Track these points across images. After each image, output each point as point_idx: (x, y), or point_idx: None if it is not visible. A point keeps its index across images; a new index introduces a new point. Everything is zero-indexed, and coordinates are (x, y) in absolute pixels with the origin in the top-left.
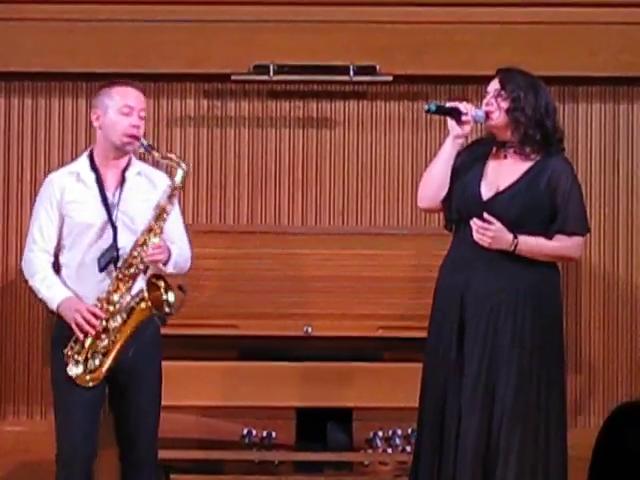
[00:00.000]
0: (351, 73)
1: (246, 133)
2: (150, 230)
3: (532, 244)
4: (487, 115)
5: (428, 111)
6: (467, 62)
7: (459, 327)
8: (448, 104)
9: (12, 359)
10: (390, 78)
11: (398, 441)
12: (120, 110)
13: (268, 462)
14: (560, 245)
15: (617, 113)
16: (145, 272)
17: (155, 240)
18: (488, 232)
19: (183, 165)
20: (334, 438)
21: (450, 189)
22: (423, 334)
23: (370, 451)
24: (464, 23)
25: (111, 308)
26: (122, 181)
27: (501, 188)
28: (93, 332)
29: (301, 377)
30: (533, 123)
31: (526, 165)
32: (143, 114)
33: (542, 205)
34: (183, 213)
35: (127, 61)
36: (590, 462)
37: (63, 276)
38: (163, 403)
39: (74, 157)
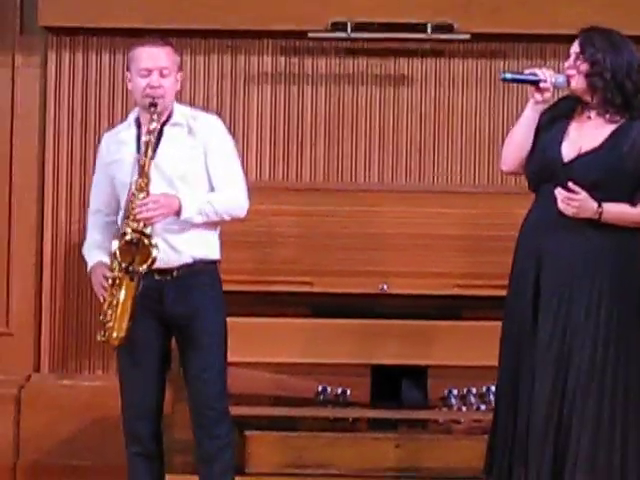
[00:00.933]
0: (428, 31)
1: (323, 91)
2: (137, 184)
3: (616, 212)
4: (569, 78)
5: (504, 80)
6: (546, 20)
7: (535, 290)
8: (526, 71)
9: (88, 314)
10: (468, 36)
11: (473, 399)
12: (139, 73)
13: (342, 419)
14: None
15: None
16: (144, 226)
17: (141, 196)
18: (573, 202)
19: (155, 119)
20: (409, 396)
21: (532, 148)
22: (499, 292)
23: (445, 409)
24: None
25: (117, 266)
26: (159, 136)
27: (583, 150)
28: (104, 293)
29: (376, 334)
30: (612, 86)
31: (610, 128)
32: (166, 72)
33: (624, 169)
34: (259, 170)
35: (204, 18)
36: None
37: (114, 236)
38: (238, 359)
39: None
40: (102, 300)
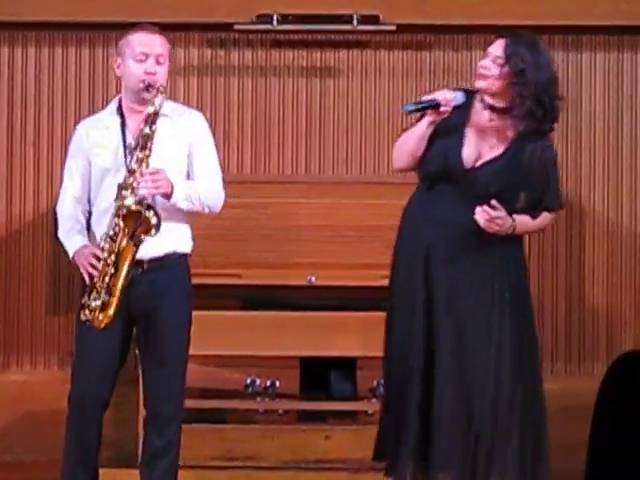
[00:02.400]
0: (354, 22)
1: (249, 83)
2: (137, 160)
3: (524, 224)
4: (481, 77)
5: (407, 112)
6: (471, 11)
7: (427, 284)
8: (425, 98)
9: (16, 309)
10: (393, 27)
11: None
12: (135, 57)
13: (272, 411)
14: (542, 222)
15: (621, 62)
16: (140, 202)
17: (143, 167)
18: (498, 220)
19: (160, 93)
20: (338, 387)
21: (428, 148)
22: None
23: (374, 400)
24: None
25: (113, 245)
26: (144, 123)
27: (484, 158)
28: (95, 273)
29: (305, 326)
30: (535, 99)
31: (510, 135)
32: (162, 59)
33: (524, 182)
34: None
35: (130, 10)
36: (593, 409)
37: (95, 220)
38: None
39: (85, 106)
40: (89, 280)
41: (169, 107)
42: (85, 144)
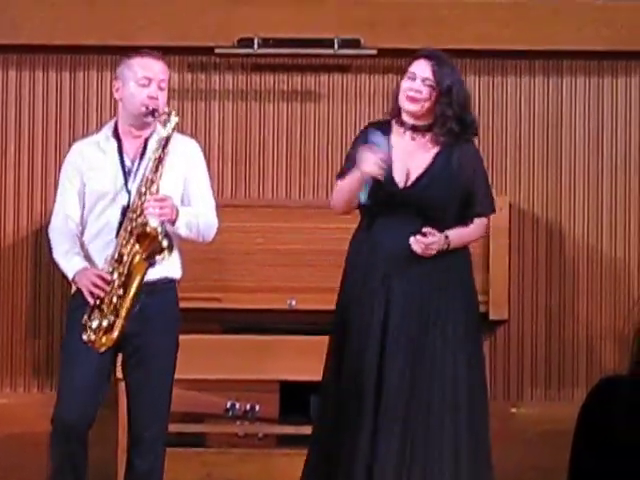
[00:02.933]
0: (335, 46)
1: (230, 107)
2: (147, 180)
3: (458, 236)
4: (413, 100)
5: (365, 200)
6: (451, 36)
7: (384, 313)
8: (368, 179)
9: None
10: (374, 52)
11: None
12: (138, 82)
13: (252, 435)
14: (476, 228)
15: (601, 87)
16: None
17: (153, 189)
18: (433, 245)
19: (174, 114)
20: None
21: None
22: None
23: None
24: None
25: (120, 268)
26: (143, 150)
27: (414, 174)
28: (101, 293)
29: (285, 350)
30: (457, 117)
31: (434, 149)
32: (164, 85)
33: (458, 188)
34: None
35: (111, 34)
36: (573, 435)
37: (85, 243)
38: None
39: (65, 130)
40: (92, 301)
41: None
42: (81, 166)
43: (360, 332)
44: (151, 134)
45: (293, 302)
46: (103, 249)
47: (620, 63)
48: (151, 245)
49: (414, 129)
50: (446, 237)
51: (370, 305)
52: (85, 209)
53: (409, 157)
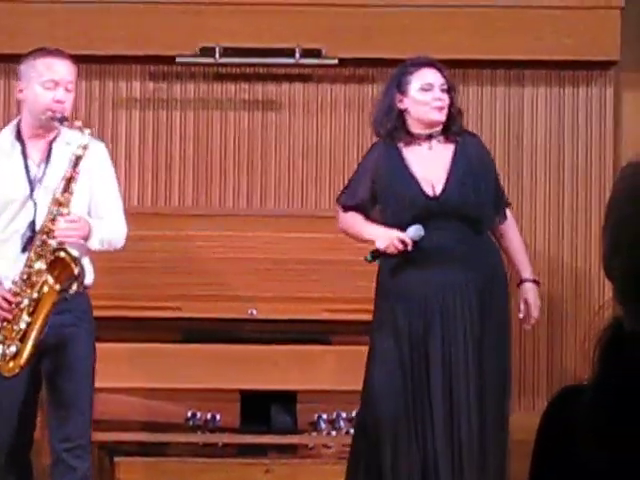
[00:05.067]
0: (297, 56)
1: (192, 115)
2: (58, 203)
3: (524, 257)
4: (441, 110)
5: (369, 261)
6: (413, 46)
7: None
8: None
9: None
10: (336, 61)
11: (342, 424)
12: (44, 84)
13: (212, 444)
14: (514, 227)
15: (562, 97)
16: (63, 249)
17: (64, 211)
18: (538, 303)
19: (87, 133)
20: (278, 421)
21: (378, 199)
22: (366, 317)
23: (314, 434)
24: (410, 6)
25: (28, 290)
26: (48, 153)
27: (440, 181)
28: (9, 317)
29: (246, 360)
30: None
31: (449, 149)
32: (71, 87)
33: (486, 181)
34: (128, 195)
35: (71, 43)
36: (533, 445)
37: None
38: (107, 385)
39: None
40: None
41: (70, 134)
42: None
43: (411, 344)
44: (55, 137)
45: (254, 311)
46: (7, 260)
47: (581, 73)
48: (63, 272)
49: (429, 138)
50: (533, 282)
51: (424, 315)
52: None
53: (429, 167)
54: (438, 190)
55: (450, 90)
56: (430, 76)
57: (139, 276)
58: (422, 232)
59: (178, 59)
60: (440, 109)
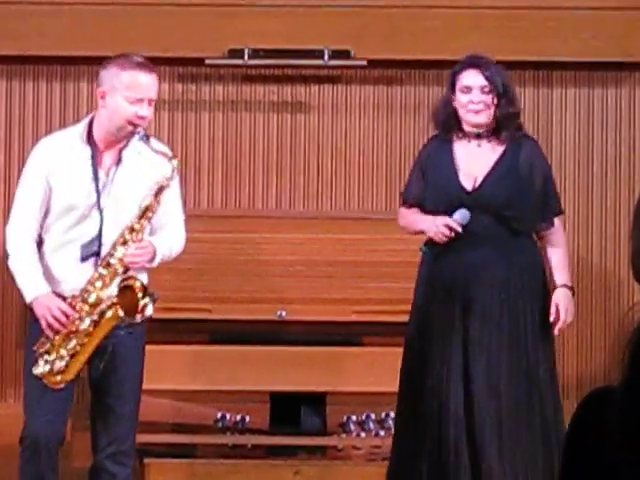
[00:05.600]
0: (325, 57)
1: (220, 117)
2: (132, 229)
3: (564, 269)
4: (477, 112)
5: (423, 252)
6: (440, 47)
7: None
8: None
9: None
10: (364, 62)
11: (372, 425)
12: (128, 98)
13: (241, 446)
14: (561, 236)
15: (591, 98)
16: (125, 272)
17: (139, 237)
18: (570, 308)
19: (174, 161)
20: (308, 422)
21: (424, 189)
22: (396, 318)
23: (344, 435)
24: (438, 7)
25: (85, 307)
26: (118, 161)
27: (481, 177)
28: (64, 330)
29: (275, 361)
30: (519, 113)
31: (499, 150)
32: (153, 102)
33: (528, 186)
34: None
35: (101, 45)
36: (563, 449)
37: (43, 253)
38: None
39: None
40: (52, 335)
41: (142, 147)
42: (50, 167)
43: (442, 341)
44: (126, 144)
45: (283, 313)
46: (62, 265)
47: (610, 74)
48: (130, 300)
49: (479, 137)
50: (569, 288)
51: (451, 312)
52: (49, 216)
53: (475, 162)
54: (476, 185)
55: (493, 91)
56: (469, 78)
57: (169, 277)
58: (468, 215)
59: (207, 61)
60: (476, 112)
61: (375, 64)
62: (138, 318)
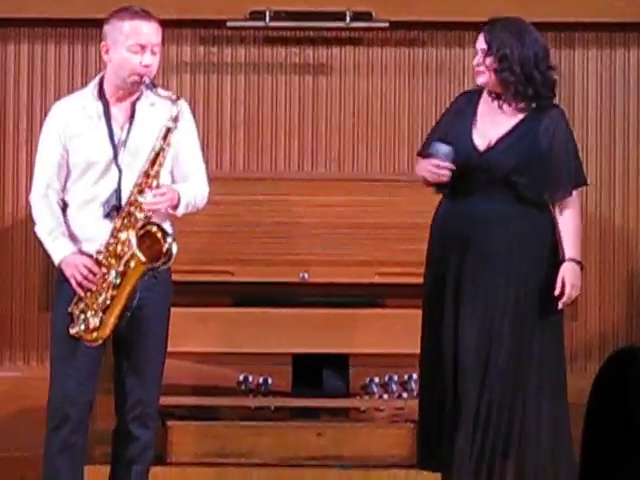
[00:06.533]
0: (347, 19)
1: (242, 79)
2: (147, 175)
3: (575, 242)
4: (478, 74)
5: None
6: (463, 9)
7: (457, 275)
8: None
9: (9, 304)
10: (386, 24)
11: (394, 387)
12: (130, 48)
13: (264, 408)
14: (575, 210)
15: (613, 59)
16: (147, 220)
17: (153, 183)
18: (577, 284)
19: (180, 102)
20: (330, 384)
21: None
22: (419, 280)
23: (366, 397)
24: None
25: (111, 261)
26: (132, 115)
27: (495, 138)
28: (93, 288)
29: (297, 323)
30: (522, 79)
31: (519, 116)
32: (157, 49)
33: (541, 155)
34: None
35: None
36: (586, 409)
37: (67, 215)
38: None
39: None
40: (83, 294)
41: (154, 97)
42: (64, 130)
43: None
44: (139, 97)
45: (305, 275)
46: (88, 223)
47: (632, 35)
48: (153, 247)
49: (498, 97)
50: (577, 262)
51: (448, 270)
52: (69, 178)
53: (493, 124)
54: (489, 146)
55: (493, 56)
56: (478, 41)
57: (190, 240)
58: (444, 147)
59: (229, 23)
60: (476, 73)
61: (397, 26)
62: (162, 264)
